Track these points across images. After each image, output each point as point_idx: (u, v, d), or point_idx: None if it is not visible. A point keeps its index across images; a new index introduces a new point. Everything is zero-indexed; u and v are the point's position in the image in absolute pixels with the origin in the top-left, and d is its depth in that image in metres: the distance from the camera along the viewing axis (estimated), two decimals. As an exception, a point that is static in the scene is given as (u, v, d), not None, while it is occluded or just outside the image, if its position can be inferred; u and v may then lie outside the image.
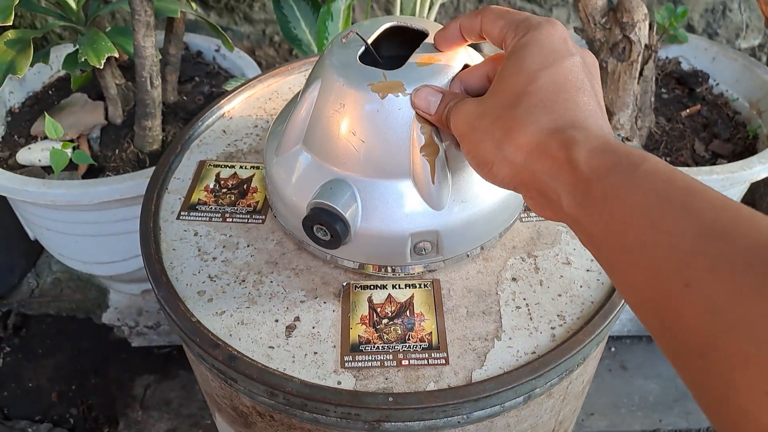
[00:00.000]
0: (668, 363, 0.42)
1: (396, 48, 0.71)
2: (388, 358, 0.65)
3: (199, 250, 0.76)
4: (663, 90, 1.59)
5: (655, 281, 0.38)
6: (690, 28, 1.89)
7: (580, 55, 0.53)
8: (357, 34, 0.68)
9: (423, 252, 0.68)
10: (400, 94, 0.63)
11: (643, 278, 0.39)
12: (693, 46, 1.65)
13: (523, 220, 0.77)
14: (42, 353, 1.73)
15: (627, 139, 0.84)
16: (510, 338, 0.67)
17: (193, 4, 1.24)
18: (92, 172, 1.31)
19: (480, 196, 0.67)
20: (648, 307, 0.40)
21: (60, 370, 1.70)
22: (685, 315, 0.36)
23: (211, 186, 0.83)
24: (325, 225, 0.64)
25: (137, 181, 1.19)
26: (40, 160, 1.28)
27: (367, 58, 0.67)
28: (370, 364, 0.65)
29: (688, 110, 1.52)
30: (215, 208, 0.80)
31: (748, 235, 0.36)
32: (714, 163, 1.40)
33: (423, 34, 0.69)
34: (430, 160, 0.64)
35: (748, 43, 1.93)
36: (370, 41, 0.68)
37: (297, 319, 0.69)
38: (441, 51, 0.65)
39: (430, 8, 1.34)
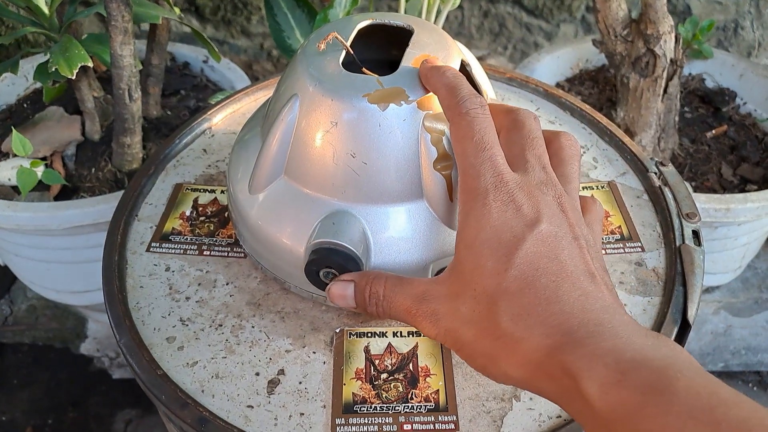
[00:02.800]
0: None
1: (374, 51, 0.64)
2: (387, 421, 0.56)
3: (170, 288, 0.67)
4: (686, 109, 1.50)
5: None
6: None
7: (548, 212, 0.46)
8: (336, 37, 0.58)
9: None
10: (402, 102, 0.55)
11: None
12: (719, 61, 1.56)
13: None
14: (17, 384, 1.65)
15: (661, 163, 0.75)
16: (531, 398, 0.58)
17: (177, 9, 1.15)
18: (66, 193, 1.22)
19: None
20: None
21: (36, 403, 1.61)
22: None
23: (188, 213, 0.74)
24: (335, 267, 0.55)
25: (111, 204, 1.10)
26: (9, 179, 1.19)
27: (347, 65, 0.59)
28: (366, 428, 0.56)
29: (713, 131, 1.43)
30: (191, 239, 0.71)
31: None
32: (743, 189, 1.32)
33: (405, 31, 0.62)
34: (446, 175, 0.56)
35: (761, 61, 1.89)
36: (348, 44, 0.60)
37: (281, 372, 0.60)
38: None
39: (436, 18, 1.25)
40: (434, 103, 0.56)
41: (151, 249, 0.70)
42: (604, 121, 0.83)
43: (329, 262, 0.55)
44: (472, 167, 0.47)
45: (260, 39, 1.86)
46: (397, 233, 0.58)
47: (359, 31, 0.62)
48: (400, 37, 0.61)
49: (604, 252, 0.68)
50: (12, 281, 1.72)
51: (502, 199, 0.46)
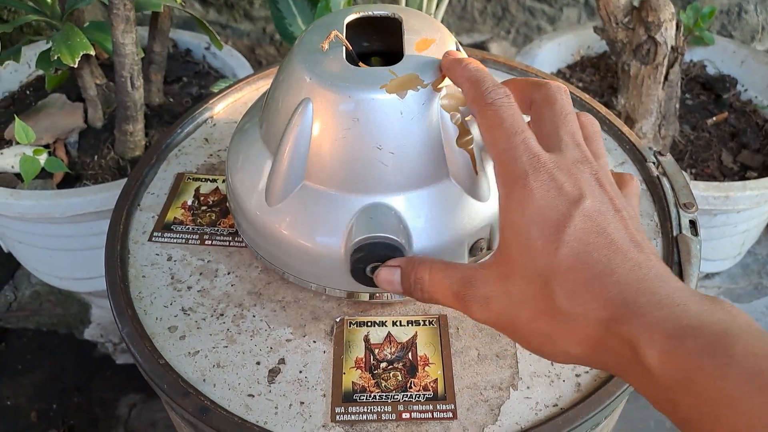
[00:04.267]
0: None
1: (363, 43, 0.65)
2: (386, 410, 0.57)
3: (172, 278, 0.67)
4: (687, 96, 1.50)
5: None
6: (704, 30, 1.82)
7: (589, 189, 0.46)
8: (338, 35, 0.59)
9: (479, 251, 0.61)
10: (419, 87, 0.55)
11: None
12: (720, 48, 1.56)
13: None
14: (21, 370, 1.65)
15: (660, 153, 0.75)
16: (528, 387, 0.58)
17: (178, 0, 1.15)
18: (70, 180, 1.22)
19: None
20: None
21: (40, 388, 1.61)
22: None
23: (189, 203, 0.74)
24: (382, 260, 0.55)
25: (114, 193, 1.10)
26: (12, 167, 1.20)
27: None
28: (365, 417, 0.57)
29: (714, 118, 1.43)
30: (193, 229, 0.72)
31: None
32: (743, 176, 1.32)
33: (391, 20, 0.62)
34: (469, 150, 0.57)
35: (764, 45, 1.88)
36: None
37: (282, 361, 0.61)
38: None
39: (437, 6, 1.25)
40: (446, 82, 0.56)
41: (153, 238, 0.71)
42: (603, 110, 0.83)
43: (376, 256, 0.55)
44: (505, 152, 0.47)
45: (263, 23, 1.85)
46: (431, 215, 0.58)
47: (347, 25, 0.62)
48: (387, 27, 0.62)
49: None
50: (16, 267, 1.72)
51: (542, 179, 0.45)
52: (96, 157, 1.23)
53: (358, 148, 0.56)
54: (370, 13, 0.63)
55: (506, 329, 0.48)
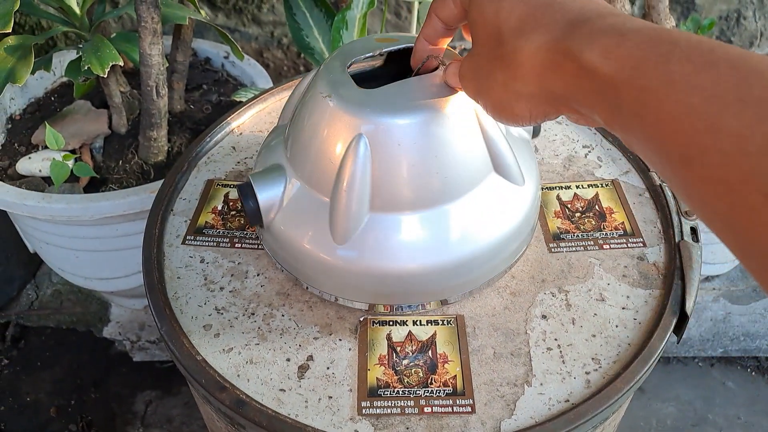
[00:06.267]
0: (685, 386, 0.36)
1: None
2: (409, 404, 0.61)
3: (205, 279, 0.71)
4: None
5: (729, 200, 0.32)
6: (703, 37, 1.83)
7: None
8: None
9: None
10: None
11: (717, 203, 0.33)
12: (718, 58, 1.58)
13: (553, 250, 0.72)
14: (41, 366, 1.69)
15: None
16: (541, 384, 0.62)
17: (203, 12, 1.19)
18: (94, 183, 1.26)
19: None
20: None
21: (59, 384, 1.66)
22: None
23: (219, 208, 0.78)
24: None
25: (140, 197, 1.14)
26: (40, 171, 1.24)
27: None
28: (389, 411, 0.60)
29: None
30: (223, 232, 0.75)
31: None
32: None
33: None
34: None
35: (763, 51, 1.89)
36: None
37: (310, 358, 0.65)
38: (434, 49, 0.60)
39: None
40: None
41: (187, 242, 0.75)
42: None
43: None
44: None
45: (271, 27, 1.86)
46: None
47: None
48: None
49: (608, 247, 0.73)
50: (38, 267, 1.75)
51: None
52: (120, 161, 1.27)
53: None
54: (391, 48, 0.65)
55: (478, 92, 0.51)
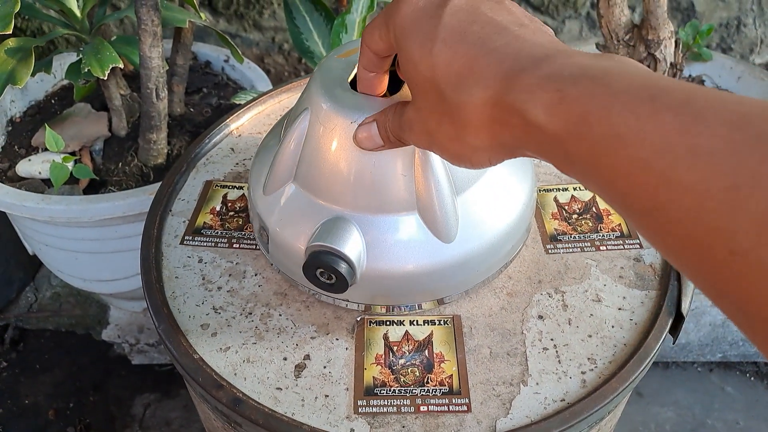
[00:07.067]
0: (684, 390, 0.35)
1: None
2: (405, 403, 0.61)
3: (203, 279, 0.71)
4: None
5: (697, 253, 0.31)
6: (703, 44, 1.84)
7: None
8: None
9: None
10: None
11: (684, 254, 0.32)
12: (717, 64, 1.59)
13: (550, 252, 0.72)
14: (39, 369, 1.69)
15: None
16: (537, 383, 0.62)
17: (203, 15, 1.20)
18: (94, 186, 1.27)
19: None
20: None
21: (58, 387, 1.66)
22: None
23: (218, 208, 0.79)
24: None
25: (140, 198, 1.14)
26: (40, 173, 1.24)
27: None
28: (385, 409, 0.61)
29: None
30: (221, 233, 0.76)
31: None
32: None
33: None
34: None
35: (763, 58, 1.90)
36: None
37: (307, 357, 0.65)
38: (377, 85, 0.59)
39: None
40: None
41: (185, 242, 0.75)
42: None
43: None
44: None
45: (272, 32, 1.87)
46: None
47: None
48: None
49: (605, 248, 0.73)
50: (37, 269, 1.75)
51: (409, 5, 0.46)
52: (120, 164, 1.27)
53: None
54: None
55: (432, 145, 0.49)
